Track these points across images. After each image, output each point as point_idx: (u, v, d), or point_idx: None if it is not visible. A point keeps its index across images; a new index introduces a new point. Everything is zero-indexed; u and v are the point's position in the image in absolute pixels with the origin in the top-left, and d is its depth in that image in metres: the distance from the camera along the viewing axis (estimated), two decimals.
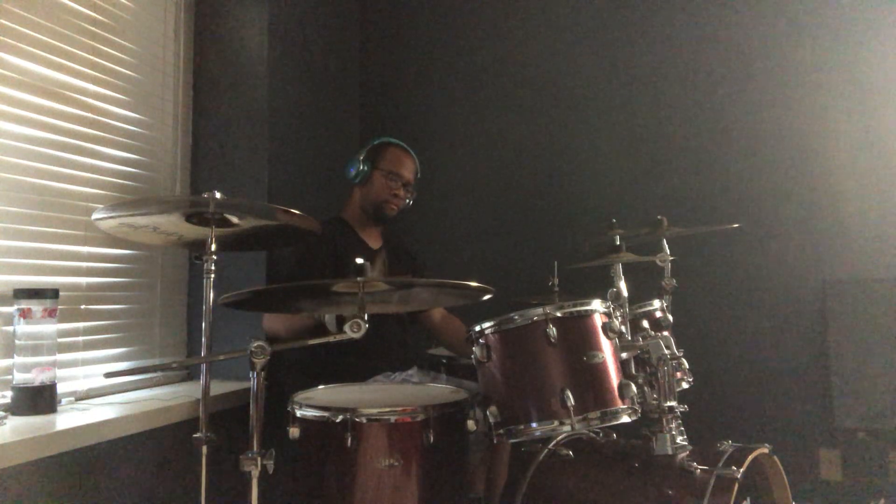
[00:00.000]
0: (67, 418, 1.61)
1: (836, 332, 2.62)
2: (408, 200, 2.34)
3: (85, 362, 1.91)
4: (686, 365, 1.87)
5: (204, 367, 1.57)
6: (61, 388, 1.72)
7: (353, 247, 2.25)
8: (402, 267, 2.38)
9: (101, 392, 1.92)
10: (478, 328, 1.65)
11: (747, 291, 2.78)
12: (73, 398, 1.81)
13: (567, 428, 1.53)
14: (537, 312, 1.58)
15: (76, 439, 1.54)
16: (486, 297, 1.53)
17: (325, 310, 1.84)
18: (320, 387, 1.75)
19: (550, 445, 1.83)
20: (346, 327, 1.31)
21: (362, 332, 1.31)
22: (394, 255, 2.39)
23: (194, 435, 1.52)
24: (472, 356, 1.67)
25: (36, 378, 1.62)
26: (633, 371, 1.73)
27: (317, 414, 1.49)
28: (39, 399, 1.62)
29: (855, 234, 2.68)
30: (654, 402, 1.70)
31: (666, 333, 1.83)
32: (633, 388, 1.58)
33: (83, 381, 1.89)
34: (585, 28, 3.06)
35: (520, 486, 1.77)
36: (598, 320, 1.63)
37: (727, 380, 2.74)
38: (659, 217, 2.08)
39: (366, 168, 2.27)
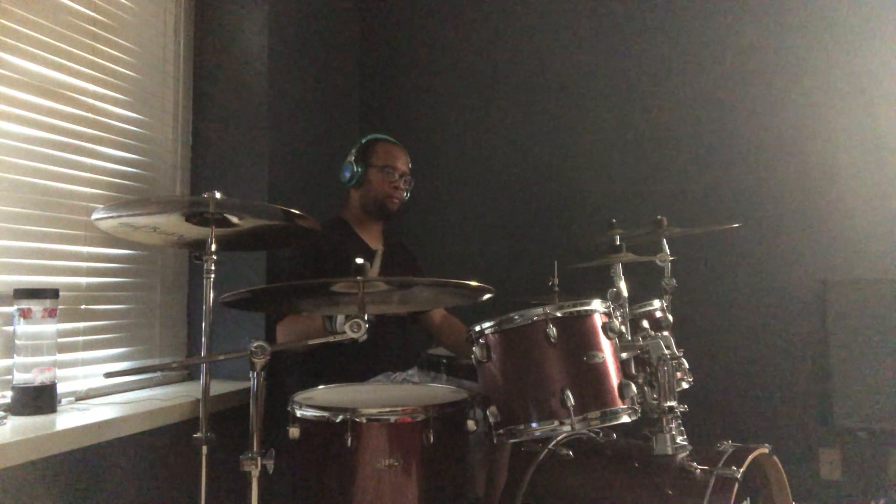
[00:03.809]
0: (67, 418, 1.61)
1: (836, 332, 2.62)
2: (406, 193, 2.33)
3: (85, 362, 1.91)
4: (686, 365, 1.87)
5: (204, 367, 1.57)
6: (61, 388, 1.72)
7: (354, 247, 2.25)
8: (402, 267, 2.38)
9: (101, 392, 1.92)
10: (478, 328, 1.65)
11: (747, 291, 2.78)
12: (73, 398, 1.81)
13: (567, 428, 1.52)
14: (537, 312, 1.58)
15: (76, 439, 1.54)
16: (486, 297, 1.53)
17: (326, 310, 1.84)
18: (320, 387, 1.75)
19: (550, 445, 1.83)
20: (346, 327, 1.31)
21: (362, 332, 1.31)
22: (394, 256, 2.39)
23: (194, 435, 1.52)
24: (472, 356, 1.67)
25: (36, 378, 1.62)
26: (633, 371, 1.73)
27: (317, 414, 1.49)
28: (39, 399, 1.62)
29: (855, 234, 2.68)
30: (654, 402, 1.70)
31: (666, 333, 1.83)
32: (633, 388, 1.58)
33: (83, 381, 1.89)
34: (586, 28, 3.06)
35: (520, 486, 1.77)
36: (598, 320, 1.63)
37: (727, 380, 2.74)
38: (659, 217, 2.08)
39: (360, 168, 2.27)
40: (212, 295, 1.58)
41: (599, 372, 1.57)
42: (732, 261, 2.80)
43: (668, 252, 2.08)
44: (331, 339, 1.37)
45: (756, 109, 2.83)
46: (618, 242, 1.90)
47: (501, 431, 1.57)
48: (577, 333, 1.60)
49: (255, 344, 1.31)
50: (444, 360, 2.34)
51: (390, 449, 1.44)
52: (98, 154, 1.98)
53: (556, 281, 2.30)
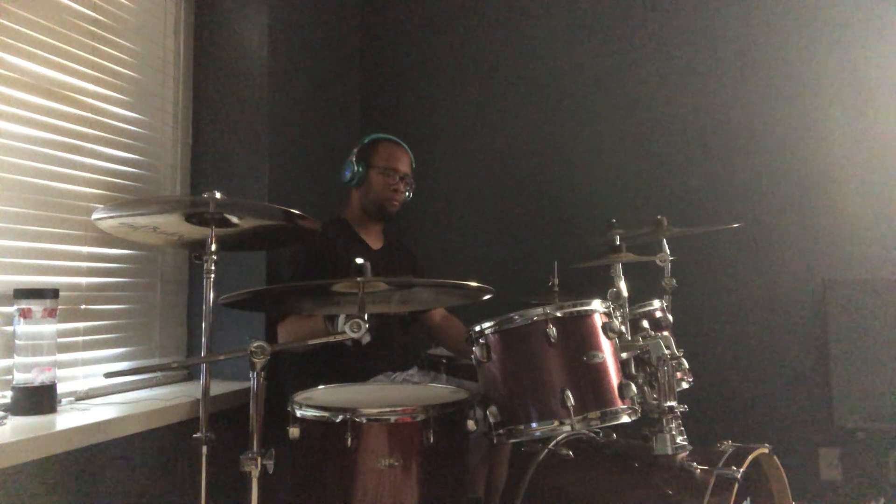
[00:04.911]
0: (67, 418, 1.61)
1: (836, 332, 2.62)
2: (408, 193, 2.33)
3: (85, 362, 1.91)
4: (686, 365, 1.87)
5: (204, 367, 1.58)
6: (61, 388, 1.72)
7: (354, 247, 2.25)
8: (403, 267, 2.38)
9: (101, 392, 1.92)
10: (478, 328, 1.65)
11: (747, 291, 2.78)
12: (73, 398, 1.81)
13: (567, 428, 1.53)
14: (537, 312, 1.58)
15: (76, 439, 1.54)
16: (486, 297, 1.53)
17: (327, 310, 1.83)
18: (320, 387, 1.75)
19: (550, 445, 1.82)
20: (346, 327, 1.31)
21: (362, 332, 1.31)
22: (395, 256, 2.39)
23: (194, 435, 1.52)
24: (472, 356, 1.67)
25: (36, 378, 1.62)
26: (633, 371, 1.73)
27: (317, 414, 1.49)
28: (39, 399, 1.62)
29: (855, 234, 2.68)
30: (654, 402, 1.70)
31: (666, 333, 1.83)
32: (633, 388, 1.58)
33: (83, 381, 1.89)
34: (586, 27, 3.06)
35: (520, 486, 1.77)
36: (598, 320, 1.63)
37: (727, 380, 2.74)
38: (659, 217, 2.08)
39: (361, 169, 2.26)
40: (212, 295, 1.58)
41: (599, 372, 1.57)
42: (732, 261, 2.80)
43: (668, 252, 2.09)
44: (331, 338, 1.37)
45: (756, 109, 2.83)
46: (618, 242, 1.90)
47: (501, 431, 1.57)
48: (577, 333, 1.60)
49: (255, 344, 1.31)
50: (444, 360, 2.34)
51: (390, 449, 1.44)
52: (98, 154, 1.98)
53: (556, 281, 2.30)
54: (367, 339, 1.65)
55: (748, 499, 1.75)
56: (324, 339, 1.39)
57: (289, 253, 2.24)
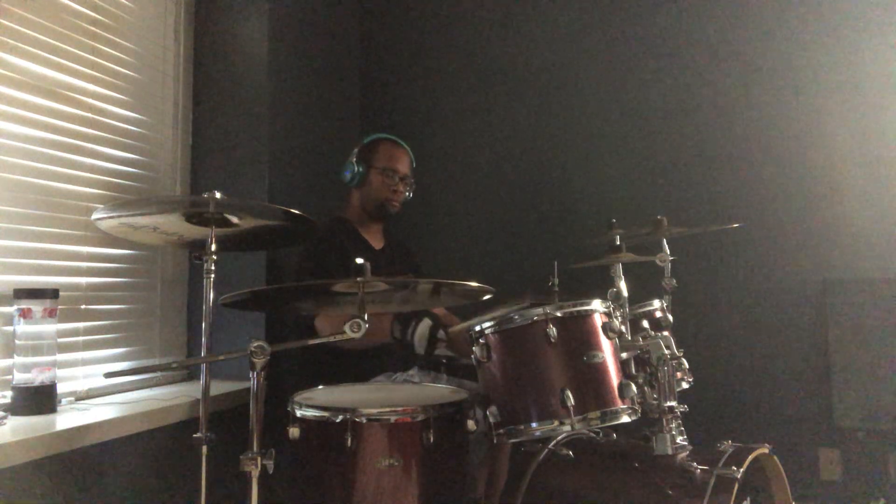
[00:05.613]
0: (67, 418, 1.61)
1: (837, 331, 2.62)
2: (408, 193, 2.33)
3: (85, 362, 1.91)
4: (686, 365, 1.87)
5: (204, 367, 1.57)
6: (61, 388, 1.72)
7: (357, 247, 2.25)
8: (404, 267, 2.38)
9: (101, 392, 1.92)
10: (478, 328, 1.65)
11: (747, 291, 2.78)
12: (73, 398, 1.81)
13: (567, 428, 1.52)
14: (537, 312, 1.58)
15: (76, 439, 1.54)
16: (486, 297, 1.53)
17: (328, 310, 1.83)
18: (320, 387, 1.75)
19: (550, 445, 1.82)
20: (346, 327, 1.31)
21: (362, 332, 1.31)
22: (396, 255, 2.39)
23: (194, 435, 1.52)
24: (472, 356, 1.67)
25: (36, 378, 1.62)
26: (633, 371, 1.73)
27: (317, 414, 1.49)
28: (39, 399, 1.62)
29: (855, 234, 2.68)
30: (654, 402, 1.70)
31: (666, 333, 1.83)
32: (633, 388, 1.58)
33: (83, 381, 1.89)
34: (586, 27, 3.06)
35: (520, 486, 1.77)
36: (598, 320, 1.63)
37: (727, 380, 2.74)
38: (659, 217, 2.08)
39: (361, 169, 2.26)
40: (212, 295, 1.58)
41: (599, 372, 1.57)
42: (732, 261, 2.80)
43: (668, 252, 2.08)
44: (330, 338, 1.37)
45: (756, 109, 2.83)
46: (618, 242, 1.89)
47: (501, 431, 1.57)
48: (577, 333, 1.60)
49: (255, 344, 1.30)
50: (444, 360, 2.34)
51: (390, 449, 1.44)
52: (98, 154, 1.98)
53: (556, 281, 2.30)
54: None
55: (748, 499, 1.75)
56: (324, 339, 1.39)
57: (290, 253, 2.24)
